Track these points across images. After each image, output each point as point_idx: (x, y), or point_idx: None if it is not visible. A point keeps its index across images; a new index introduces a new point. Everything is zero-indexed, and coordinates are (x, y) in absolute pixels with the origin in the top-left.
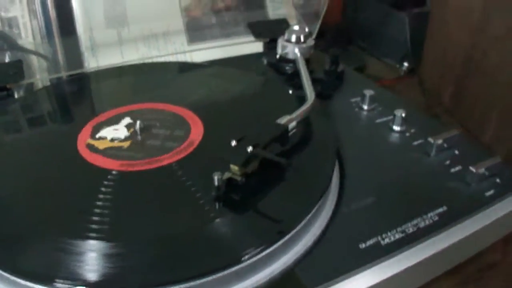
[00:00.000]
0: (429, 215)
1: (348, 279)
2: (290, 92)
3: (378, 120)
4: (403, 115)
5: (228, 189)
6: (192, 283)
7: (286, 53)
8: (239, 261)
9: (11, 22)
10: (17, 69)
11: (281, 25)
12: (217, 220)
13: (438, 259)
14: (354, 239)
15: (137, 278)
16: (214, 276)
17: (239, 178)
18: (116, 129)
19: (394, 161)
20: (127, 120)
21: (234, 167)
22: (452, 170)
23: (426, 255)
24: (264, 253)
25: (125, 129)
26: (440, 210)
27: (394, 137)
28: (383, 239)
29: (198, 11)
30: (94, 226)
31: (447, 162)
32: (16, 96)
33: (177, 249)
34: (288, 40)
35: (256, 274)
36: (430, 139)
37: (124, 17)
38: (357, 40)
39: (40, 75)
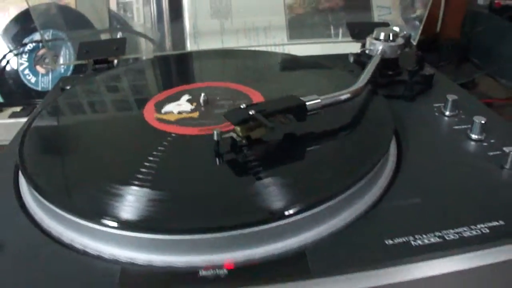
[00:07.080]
0: (478, 226)
1: (360, 272)
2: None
3: (456, 127)
4: (483, 122)
5: (236, 150)
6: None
7: (370, 50)
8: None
9: (126, 7)
10: (120, 45)
11: None
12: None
13: (476, 276)
14: (382, 234)
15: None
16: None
17: (238, 139)
18: (179, 104)
19: (460, 168)
20: (186, 96)
21: (237, 128)
22: None
23: (460, 267)
24: (275, 225)
25: (188, 104)
26: (495, 223)
27: (469, 145)
28: (415, 240)
29: (302, 9)
30: None
31: None
32: None
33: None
34: (377, 38)
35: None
36: (506, 149)
37: (229, 10)
38: (473, 57)
39: (144, 53)
